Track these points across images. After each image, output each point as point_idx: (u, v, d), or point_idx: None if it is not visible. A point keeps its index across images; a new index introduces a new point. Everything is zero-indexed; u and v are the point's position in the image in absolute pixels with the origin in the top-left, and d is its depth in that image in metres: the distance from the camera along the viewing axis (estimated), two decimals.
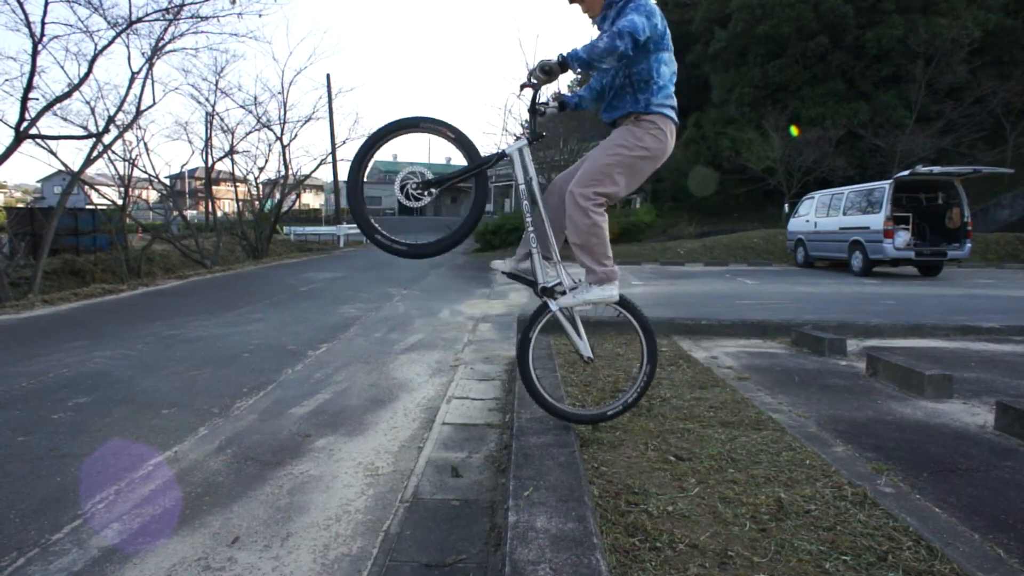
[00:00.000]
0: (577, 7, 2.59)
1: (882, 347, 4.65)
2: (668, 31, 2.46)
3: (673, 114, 2.48)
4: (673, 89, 2.50)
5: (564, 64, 2.30)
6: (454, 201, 47.72)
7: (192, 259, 17.96)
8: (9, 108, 58.30)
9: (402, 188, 2.59)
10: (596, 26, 2.61)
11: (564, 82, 34.60)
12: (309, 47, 56.31)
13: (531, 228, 2.56)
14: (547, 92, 2.65)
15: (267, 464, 2.73)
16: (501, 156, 2.61)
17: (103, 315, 7.17)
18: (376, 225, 2.63)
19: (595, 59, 2.25)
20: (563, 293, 2.57)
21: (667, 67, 2.46)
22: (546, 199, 2.67)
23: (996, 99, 18.35)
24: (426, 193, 2.57)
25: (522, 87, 2.54)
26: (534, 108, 2.60)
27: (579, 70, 2.33)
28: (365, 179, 2.72)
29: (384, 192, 47.10)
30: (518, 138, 2.64)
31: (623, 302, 2.61)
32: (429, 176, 2.58)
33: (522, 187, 2.58)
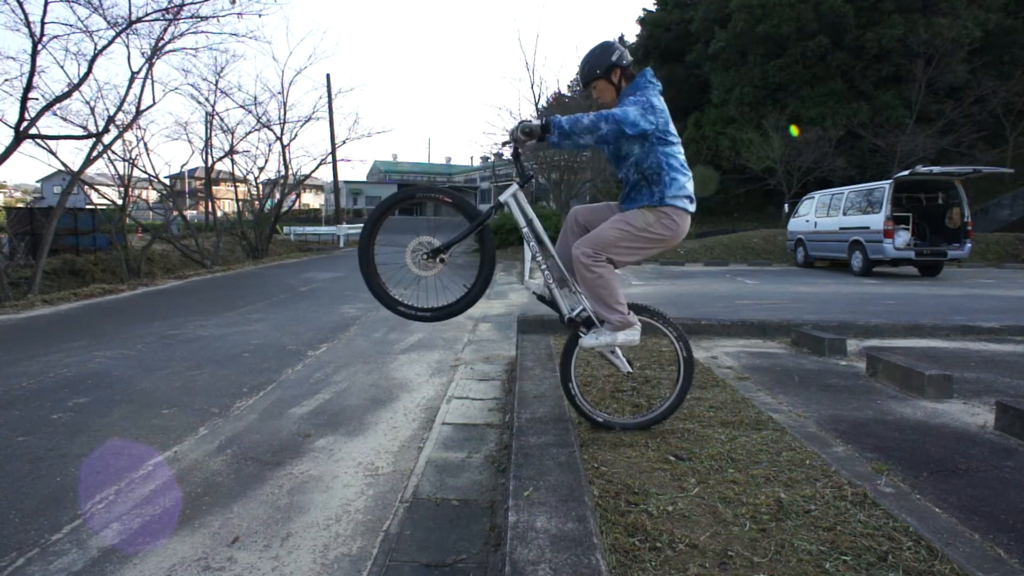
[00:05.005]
0: (593, 91, 2.66)
1: (882, 347, 4.65)
2: (670, 124, 2.51)
3: (687, 204, 2.55)
4: (686, 175, 2.55)
5: (546, 128, 2.35)
6: None
7: (192, 259, 17.95)
8: (9, 108, 58.30)
9: (413, 259, 2.62)
10: None
11: (563, 83, 34.46)
12: (309, 47, 56.39)
13: (544, 266, 2.61)
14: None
15: (267, 464, 2.73)
16: (498, 207, 2.65)
17: (103, 315, 7.17)
18: (397, 298, 2.66)
19: (575, 133, 2.31)
20: (586, 319, 2.63)
21: (675, 159, 2.53)
22: (565, 227, 2.79)
23: (996, 99, 18.33)
24: (437, 260, 2.60)
25: (504, 143, 2.61)
26: (517, 154, 2.67)
27: (558, 137, 2.35)
28: (376, 253, 2.72)
29: (384, 192, 47.14)
30: (508, 184, 2.67)
31: (677, 331, 2.73)
32: (436, 244, 2.61)
33: (525, 230, 2.62)
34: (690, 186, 2.57)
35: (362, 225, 2.73)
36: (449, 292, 2.68)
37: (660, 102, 2.46)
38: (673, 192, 2.50)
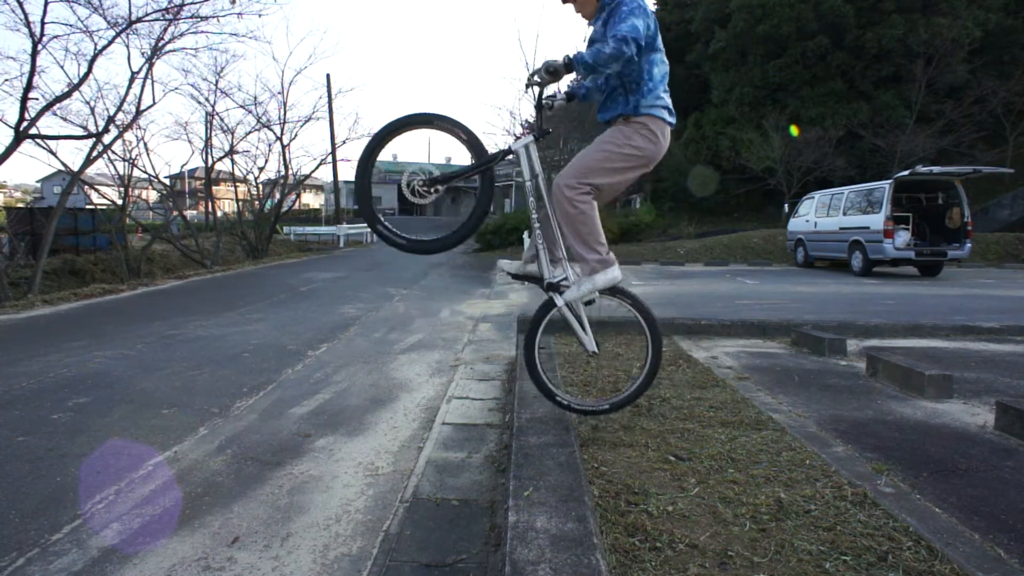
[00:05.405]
0: (570, 6, 2.60)
1: (882, 347, 4.65)
2: (659, 30, 2.47)
3: (665, 114, 2.49)
4: (665, 89, 2.50)
5: (569, 66, 2.31)
6: (454, 201, 47.70)
7: (192, 259, 17.95)
8: (9, 108, 58.29)
9: (408, 185, 2.59)
10: (590, 27, 2.62)
11: (564, 80, 34.36)
12: (309, 47, 56.42)
13: (538, 225, 2.57)
14: (556, 86, 2.64)
15: (267, 464, 2.73)
16: (507, 153, 2.61)
17: (103, 315, 7.17)
18: (380, 217, 2.66)
19: (600, 64, 2.26)
20: (568, 288, 2.57)
21: (658, 68, 2.47)
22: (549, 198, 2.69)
23: (996, 99, 18.32)
24: (432, 190, 2.59)
25: (527, 86, 2.55)
26: (540, 104, 2.60)
27: (583, 73, 2.32)
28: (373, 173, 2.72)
29: (384, 192, 47.10)
30: (523, 135, 2.64)
31: (631, 299, 2.62)
32: (436, 174, 2.59)
33: (528, 183, 2.56)
34: (667, 98, 2.50)
35: (367, 142, 2.69)
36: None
37: (648, 6, 2.41)
38: (650, 101, 2.43)
